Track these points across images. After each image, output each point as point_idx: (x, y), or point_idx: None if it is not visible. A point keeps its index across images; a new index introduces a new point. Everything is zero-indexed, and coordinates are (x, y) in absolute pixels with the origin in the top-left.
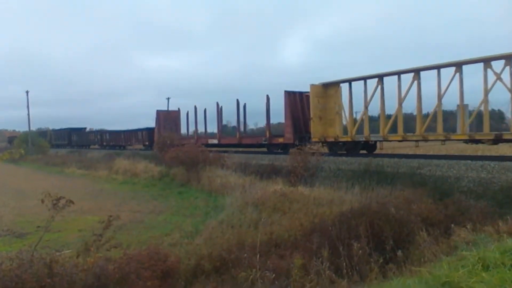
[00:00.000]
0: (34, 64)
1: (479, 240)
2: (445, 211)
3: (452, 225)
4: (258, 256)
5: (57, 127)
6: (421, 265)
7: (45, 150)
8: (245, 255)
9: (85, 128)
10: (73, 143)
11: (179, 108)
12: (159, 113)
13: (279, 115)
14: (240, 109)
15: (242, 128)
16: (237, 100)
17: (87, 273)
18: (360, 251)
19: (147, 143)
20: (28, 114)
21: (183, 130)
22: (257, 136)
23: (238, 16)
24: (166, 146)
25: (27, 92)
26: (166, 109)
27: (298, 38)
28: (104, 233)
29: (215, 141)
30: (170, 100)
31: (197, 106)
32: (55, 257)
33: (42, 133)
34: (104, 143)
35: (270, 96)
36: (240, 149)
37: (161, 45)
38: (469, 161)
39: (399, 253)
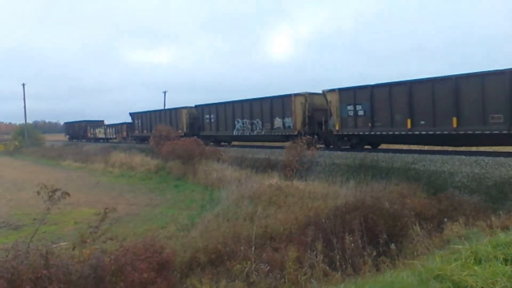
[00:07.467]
0: (30, 59)
1: (471, 235)
2: (438, 206)
3: (445, 219)
4: (253, 248)
5: (53, 121)
6: (414, 258)
7: (41, 142)
8: (241, 248)
9: None
10: None
11: None
12: None
13: None
14: None
15: None
16: None
17: (83, 265)
18: (353, 244)
19: None
20: (24, 107)
21: None
22: None
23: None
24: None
25: (23, 85)
26: None
27: (288, 37)
28: (100, 226)
29: None
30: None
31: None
32: (51, 248)
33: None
34: None
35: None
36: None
37: (151, 42)
38: (463, 156)
39: (393, 246)
